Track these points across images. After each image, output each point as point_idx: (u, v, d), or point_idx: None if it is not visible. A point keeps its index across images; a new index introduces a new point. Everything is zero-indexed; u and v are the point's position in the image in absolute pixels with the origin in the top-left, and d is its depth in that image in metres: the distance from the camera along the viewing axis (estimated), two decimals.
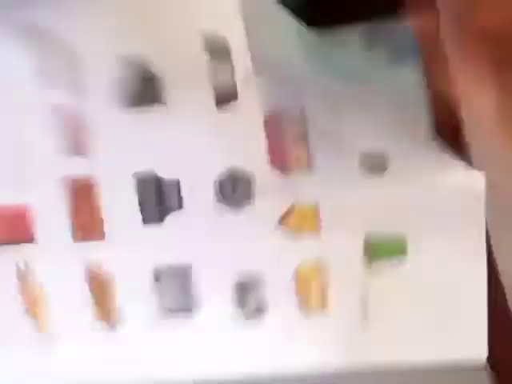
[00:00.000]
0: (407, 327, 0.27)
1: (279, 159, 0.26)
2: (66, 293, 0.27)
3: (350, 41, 0.26)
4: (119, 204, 0.26)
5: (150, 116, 0.25)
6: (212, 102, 0.25)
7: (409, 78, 0.26)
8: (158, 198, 0.26)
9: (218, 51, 0.25)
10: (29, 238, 0.26)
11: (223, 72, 0.25)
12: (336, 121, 0.26)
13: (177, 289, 0.27)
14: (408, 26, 0.26)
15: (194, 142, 0.26)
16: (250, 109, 0.26)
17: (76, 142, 0.26)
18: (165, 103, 0.25)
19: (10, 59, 0.25)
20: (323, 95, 0.26)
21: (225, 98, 0.25)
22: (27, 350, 0.27)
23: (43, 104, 0.25)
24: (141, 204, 0.26)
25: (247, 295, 0.27)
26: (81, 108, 0.25)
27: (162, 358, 0.27)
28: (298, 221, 0.26)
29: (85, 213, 0.26)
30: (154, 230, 0.26)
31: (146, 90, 0.25)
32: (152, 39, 0.25)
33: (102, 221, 0.26)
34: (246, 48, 0.25)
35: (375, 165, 0.26)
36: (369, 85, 0.26)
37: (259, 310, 0.27)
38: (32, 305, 0.27)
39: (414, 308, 0.26)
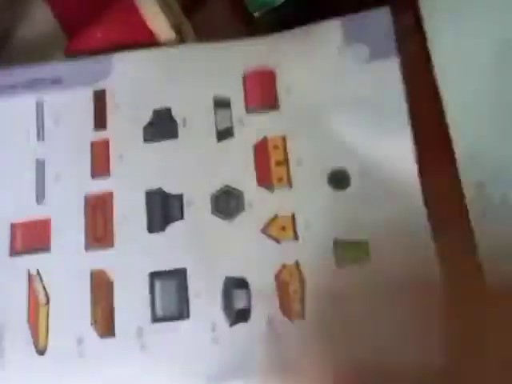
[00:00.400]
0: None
1: (265, 179, 0.32)
2: (69, 297, 0.30)
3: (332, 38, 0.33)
4: (130, 215, 0.32)
5: (164, 147, 0.33)
6: (214, 137, 0.33)
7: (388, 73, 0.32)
8: (163, 210, 0.32)
9: (222, 103, 0.33)
10: (44, 247, 0.31)
11: (224, 117, 0.33)
12: (311, 147, 0.32)
13: (171, 293, 0.30)
14: (389, 20, 0.33)
15: (198, 166, 0.32)
16: (243, 143, 0.32)
17: (101, 164, 0.33)
18: (176, 137, 0.33)
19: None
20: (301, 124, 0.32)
21: (224, 134, 0.33)
22: (21, 362, 0.30)
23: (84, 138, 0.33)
24: (148, 215, 0.32)
25: (233, 297, 0.30)
26: (112, 140, 0.33)
27: (155, 359, 0.30)
28: (278, 230, 0.31)
29: (99, 223, 0.32)
30: (156, 237, 0.31)
31: (165, 129, 0.33)
32: (175, 94, 0.33)
33: (113, 231, 0.32)
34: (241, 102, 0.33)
35: (340, 182, 0.31)
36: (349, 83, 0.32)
37: (244, 313, 0.30)
38: (34, 314, 0.30)
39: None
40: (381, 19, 0.33)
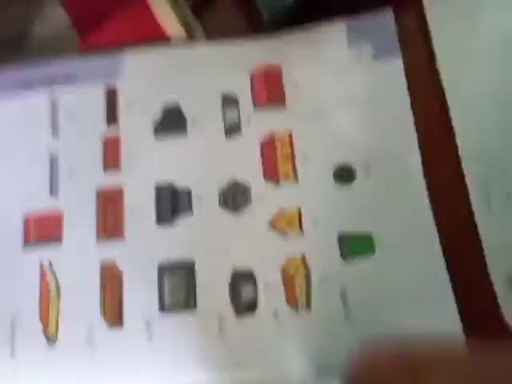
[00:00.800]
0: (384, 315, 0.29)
1: (271, 174, 0.32)
2: (79, 288, 0.31)
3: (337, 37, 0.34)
4: (140, 209, 0.33)
5: (174, 143, 0.33)
6: (222, 133, 0.33)
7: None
8: (172, 204, 0.32)
9: (230, 100, 0.34)
10: (57, 239, 0.32)
11: (232, 114, 0.34)
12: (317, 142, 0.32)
13: (179, 284, 0.31)
14: (392, 21, 0.34)
15: (206, 161, 0.33)
16: (250, 138, 0.33)
17: (112, 159, 0.34)
18: (186, 134, 0.33)
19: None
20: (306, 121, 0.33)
21: (232, 131, 0.33)
22: (31, 352, 0.30)
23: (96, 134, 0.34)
24: (157, 208, 0.32)
25: (241, 290, 0.30)
26: (123, 136, 0.34)
27: (162, 349, 0.30)
28: (285, 223, 0.31)
29: (110, 216, 0.33)
30: (165, 230, 0.32)
31: (175, 125, 0.34)
32: (185, 91, 0.34)
33: (123, 224, 0.32)
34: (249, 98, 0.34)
35: (346, 176, 0.32)
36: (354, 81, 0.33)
37: (250, 304, 0.30)
38: (45, 305, 0.31)
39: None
40: (384, 20, 0.34)
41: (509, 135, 0.31)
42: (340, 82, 0.33)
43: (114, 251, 0.32)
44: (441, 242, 0.30)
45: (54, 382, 0.30)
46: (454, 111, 0.31)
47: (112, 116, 0.34)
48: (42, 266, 0.32)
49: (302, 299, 0.30)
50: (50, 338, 0.31)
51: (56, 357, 0.30)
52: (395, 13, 0.34)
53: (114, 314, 0.31)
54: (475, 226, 0.30)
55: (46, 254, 0.32)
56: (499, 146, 0.31)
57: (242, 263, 0.31)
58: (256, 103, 0.34)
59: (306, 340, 0.29)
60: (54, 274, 0.32)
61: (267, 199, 0.32)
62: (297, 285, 0.30)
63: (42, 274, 0.32)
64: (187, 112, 0.34)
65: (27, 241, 0.32)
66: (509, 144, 0.31)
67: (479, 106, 0.31)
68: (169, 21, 0.35)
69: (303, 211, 0.31)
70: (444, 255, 0.29)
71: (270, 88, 0.34)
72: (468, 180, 0.30)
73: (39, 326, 0.31)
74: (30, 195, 0.33)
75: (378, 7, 0.34)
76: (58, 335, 0.31)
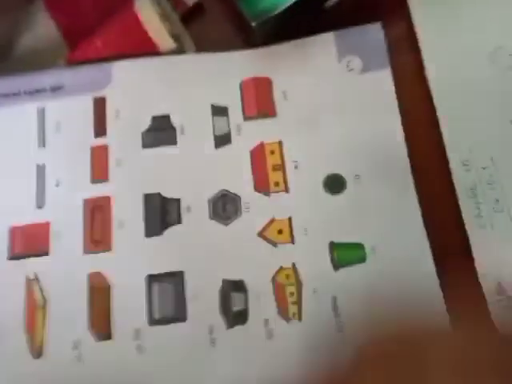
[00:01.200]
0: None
1: (262, 184, 0.32)
2: (66, 300, 0.31)
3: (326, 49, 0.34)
4: (128, 219, 0.32)
5: (163, 153, 0.33)
6: (212, 143, 0.33)
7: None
8: (161, 214, 0.32)
9: (219, 110, 0.34)
10: (43, 251, 0.32)
11: (221, 123, 0.34)
12: (307, 152, 0.32)
13: (168, 295, 0.31)
14: (381, 34, 0.34)
15: (196, 171, 0.33)
16: (240, 148, 0.33)
17: (100, 169, 0.33)
18: (175, 143, 0.33)
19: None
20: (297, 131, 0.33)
21: (221, 140, 0.33)
22: (16, 366, 0.30)
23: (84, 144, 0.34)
24: (146, 219, 0.32)
25: (231, 300, 0.30)
26: (111, 146, 0.34)
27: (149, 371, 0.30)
28: (275, 233, 0.31)
29: (98, 227, 0.32)
30: (154, 240, 0.32)
31: (164, 135, 0.34)
32: (174, 101, 0.34)
33: (111, 235, 0.32)
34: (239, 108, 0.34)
35: (336, 186, 0.32)
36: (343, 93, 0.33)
37: (241, 315, 0.30)
38: (31, 318, 0.30)
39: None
40: (373, 33, 0.34)
41: (497, 143, 0.31)
42: (329, 93, 0.33)
43: (101, 263, 0.31)
44: (431, 250, 0.30)
45: None
46: (443, 121, 0.32)
47: (100, 126, 0.34)
48: (27, 278, 0.31)
49: (293, 309, 0.30)
50: (36, 351, 0.30)
51: (42, 370, 0.30)
52: (384, 26, 0.34)
53: (102, 326, 0.30)
54: (465, 233, 0.30)
55: (32, 265, 0.31)
56: (487, 154, 0.31)
57: (233, 273, 0.30)
58: (246, 113, 0.34)
59: (297, 351, 0.29)
60: (39, 286, 0.31)
61: (257, 209, 0.32)
62: (288, 295, 0.30)
63: (28, 286, 0.31)
64: (176, 121, 0.34)
65: (13, 253, 0.32)
66: (496, 151, 0.31)
67: (468, 115, 0.32)
68: (158, 32, 0.35)
69: (294, 221, 0.31)
70: (435, 263, 0.29)
71: (259, 98, 0.34)
72: (458, 189, 0.31)
73: (24, 339, 0.30)
74: (16, 206, 0.33)
75: (366, 21, 0.34)
76: (44, 348, 0.30)
